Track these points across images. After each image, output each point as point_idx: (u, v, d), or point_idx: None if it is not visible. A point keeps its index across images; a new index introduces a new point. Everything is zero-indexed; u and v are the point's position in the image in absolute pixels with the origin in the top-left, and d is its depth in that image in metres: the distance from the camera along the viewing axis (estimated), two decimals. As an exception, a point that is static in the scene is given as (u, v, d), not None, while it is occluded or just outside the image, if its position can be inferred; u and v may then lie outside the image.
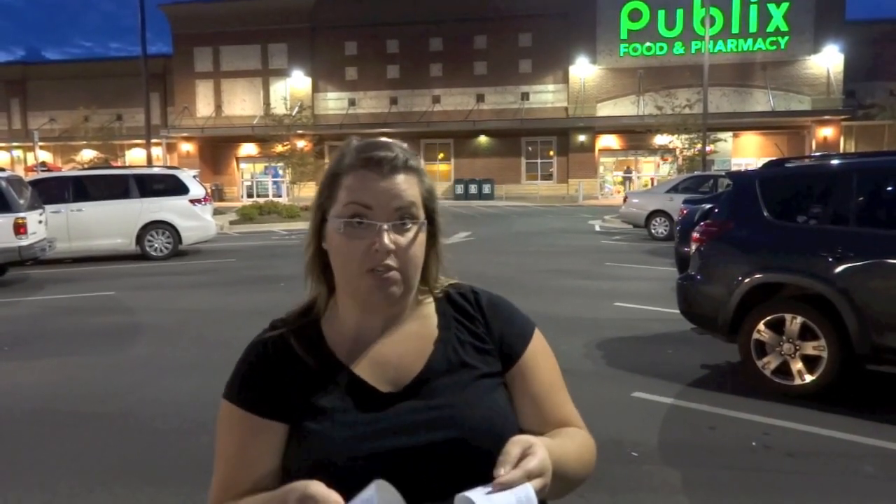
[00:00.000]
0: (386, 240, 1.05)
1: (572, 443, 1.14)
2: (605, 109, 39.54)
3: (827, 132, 36.48)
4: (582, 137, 39.62)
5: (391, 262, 1.06)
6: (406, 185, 1.08)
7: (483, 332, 1.17)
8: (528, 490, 0.92)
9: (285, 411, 1.09)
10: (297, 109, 35.64)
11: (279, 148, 32.84)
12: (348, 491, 0.92)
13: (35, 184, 13.11)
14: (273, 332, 1.16)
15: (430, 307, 1.18)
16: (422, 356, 1.13)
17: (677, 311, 6.08)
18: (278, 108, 37.39)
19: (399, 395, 1.09)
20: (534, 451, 0.96)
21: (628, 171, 40.35)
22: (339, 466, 1.02)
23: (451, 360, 1.13)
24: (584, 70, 39.60)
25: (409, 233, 1.08)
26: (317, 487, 0.93)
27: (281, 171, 34.85)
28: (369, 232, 1.05)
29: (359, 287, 1.07)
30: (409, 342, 1.14)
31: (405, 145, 1.12)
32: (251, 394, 1.11)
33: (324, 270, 1.14)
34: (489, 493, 0.91)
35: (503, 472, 0.92)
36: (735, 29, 37.65)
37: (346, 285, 1.10)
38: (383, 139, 1.13)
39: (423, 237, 1.11)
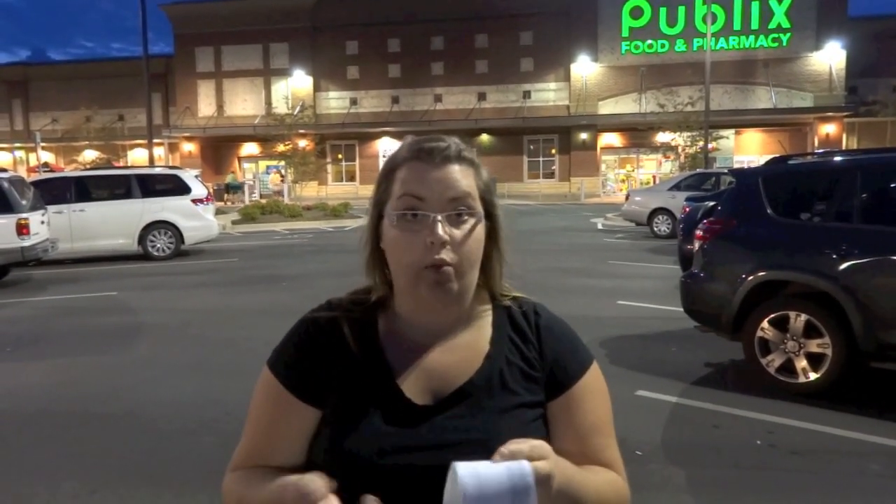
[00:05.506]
0: (440, 231, 1.01)
1: (596, 477, 1.06)
2: (607, 107, 39.46)
3: (829, 129, 36.37)
4: (584, 135, 39.54)
5: (446, 255, 1.02)
6: (460, 176, 1.06)
7: (534, 358, 1.12)
8: (524, 466, 0.85)
9: (322, 397, 1.08)
10: (298, 109, 35.60)
11: (281, 147, 32.83)
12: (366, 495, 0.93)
13: (37, 184, 13.13)
14: (328, 312, 1.14)
15: (487, 318, 1.14)
16: (467, 369, 1.09)
17: (681, 310, 6.06)
18: (280, 107, 37.39)
19: (434, 409, 1.06)
20: (532, 443, 0.91)
21: (634, 168, 40.15)
22: (361, 473, 1.01)
23: (494, 380, 1.09)
24: (585, 68, 39.53)
25: (465, 225, 1.04)
26: (313, 485, 0.92)
27: (283, 171, 34.85)
28: (423, 224, 1.02)
29: (414, 284, 1.04)
30: (459, 352, 1.10)
31: (458, 139, 1.10)
32: (293, 373, 1.10)
33: (383, 269, 1.12)
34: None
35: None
36: (737, 26, 37.55)
37: (402, 283, 1.07)
38: (438, 135, 1.12)
39: (480, 232, 1.07)
